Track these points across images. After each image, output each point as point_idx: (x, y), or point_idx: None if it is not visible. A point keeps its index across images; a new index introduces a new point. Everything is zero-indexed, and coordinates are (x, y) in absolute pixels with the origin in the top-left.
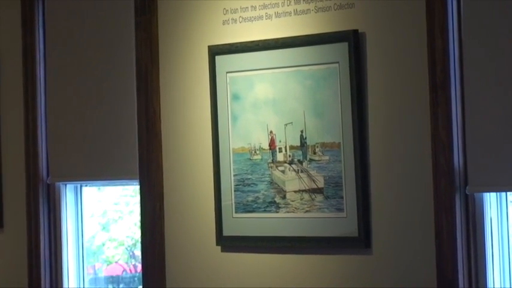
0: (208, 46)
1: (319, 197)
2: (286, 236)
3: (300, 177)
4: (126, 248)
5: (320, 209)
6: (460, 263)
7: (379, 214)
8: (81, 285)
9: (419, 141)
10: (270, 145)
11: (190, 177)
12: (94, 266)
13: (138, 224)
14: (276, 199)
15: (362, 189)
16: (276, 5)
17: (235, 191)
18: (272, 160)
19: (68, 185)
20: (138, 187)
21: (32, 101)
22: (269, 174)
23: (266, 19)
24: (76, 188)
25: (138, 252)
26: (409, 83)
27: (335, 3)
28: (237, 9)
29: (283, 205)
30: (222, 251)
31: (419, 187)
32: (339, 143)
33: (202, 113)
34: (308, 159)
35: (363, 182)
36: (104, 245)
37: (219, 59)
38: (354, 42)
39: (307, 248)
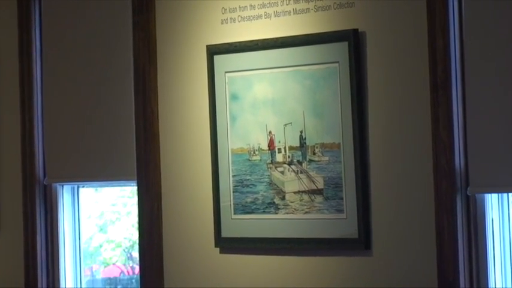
0: (207, 45)
1: (318, 198)
2: (285, 237)
3: (299, 178)
4: (124, 250)
5: (320, 210)
6: (461, 265)
7: (380, 215)
8: (79, 287)
9: (420, 142)
10: (269, 146)
11: (189, 178)
12: (91, 267)
13: (136, 225)
14: (275, 200)
15: (362, 190)
16: (275, 4)
17: (234, 192)
18: (271, 161)
19: (64, 186)
20: (135, 188)
21: (29, 101)
22: (268, 175)
23: (265, 18)
24: (73, 189)
25: (135, 254)
26: (410, 83)
27: (335, 2)
28: (235, 8)
29: (283, 206)
30: (220, 252)
31: (419, 188)
32: (339, 143)
33: (200, 113)
34: (307, 159)
35: (363, 183)
36: (101, 246)
37: (217, 58)
38: (354, 42)
39: (306, 249)
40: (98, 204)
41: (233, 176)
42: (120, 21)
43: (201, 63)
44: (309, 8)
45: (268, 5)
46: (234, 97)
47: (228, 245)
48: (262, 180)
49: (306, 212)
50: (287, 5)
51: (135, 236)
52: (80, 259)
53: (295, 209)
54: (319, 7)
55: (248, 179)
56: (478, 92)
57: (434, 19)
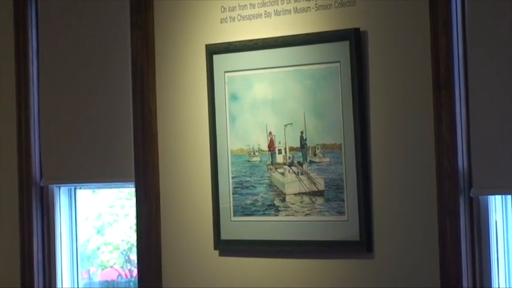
0: (206, 45)
1: (319, 200)
2: (285, 239)
3: (300, 180)
4: (122, 252)
5: (320, 212)
6: (465, 267)
7: (381, 217)
8: None
9: (423, 143)
10: (269, 146)
11: (187, 179)
12: (88, 270)
13: (134, 227)
14: (275, 202)
15: (364, 192)
16: (275, 2)
17: (233, 193)
18: (271, 162)
19: (61, 188)
20: (133, 189)
21: (25, 101)
22: (268, 177)
23: (265, 17)
24: (70, 190)
25: (133, 257)
26: (412, 83)
27: (336, 1)
28: (235, 7)
29: (283, 208)
30: (220, 255)
31: (422, 189)
32: (340, 144)
33: (199, 114)
34: (308, 161)
35: (365, 184)
36: (98, 249)
37: (216, 58)
38: (355, 41)
39: (307, 252)
40: (95, 206)
41: (233, 177)
42: (118, 21)
43: (200, 62)
44: (309, 7)
45: (268, 4)
46: (234, 97)
47: (227, 247)
48: (262, 181)
49: (307, 214)
50: (287, 3)
51: (133, 238)
52: (77, 262)
53: (295, 211)
54: (320, 6)
55: (248, 181)
56: (482, 92)
57: (436, 17)
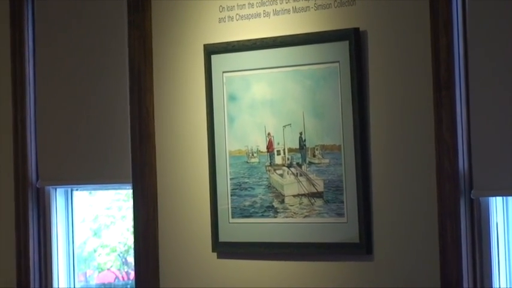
0: (204, 45)
1: (318, 202)
2: (284, 242)
3: (298, 181)
4: (119, 255)
5: (320, 213)
6: (465, 270)
7: (381, 219)
8: None
9: (423, 143)
10: (267, 147)
11: (185, 180)
12: (85, 273)
13: (131, 229)
14: (274, 204)
15: (363, 193)
16: (274, 2)
17: (231, 195)
18: (270, 163)
19: (58, 189)
20: (130, 191)
21: (21, 102)
22: (267, 178)
23: (264, 17)
24: (66, 192)
25: (130, 259)
26: (412, 83)
27: (335, 1)
28: (233, 6)
29: (282, 210)
30: (218, 257)
31: (422, 191)
32: (340, 145)
33: (197, 114)
34: (307, 162)
35: (364, 186)
36: (95, 251)
37: (215, 58)
38: (354, 41)
39: (306, 254)
40: (92, 208)
41: (231, 178)
42: (115, 20)
43: (198, 62)
44: (308, 6)
45: (267, 3)
46: (232, 98)
47: (225, 249)
48: (260, 183)
49: (306, 216)
50: (286, 3)
51: (130, 240)
52: (73, 264)
53: (294, 213)
54: (319, 5)
55: (246, 182)
56: (482, 92)
57: (437, 17)
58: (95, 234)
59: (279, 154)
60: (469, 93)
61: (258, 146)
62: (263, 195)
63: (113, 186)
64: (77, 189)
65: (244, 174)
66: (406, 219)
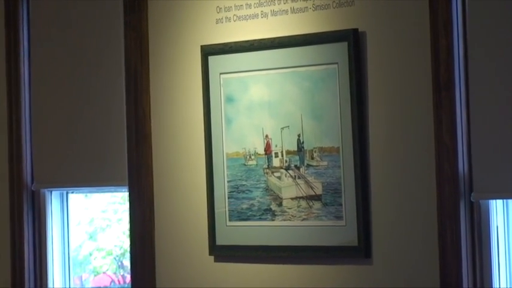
0: (201, 46)
1: (317, 204)
2: (282, 245)
3: (297, 184)
4: (115, 258)
5: (318, 216)
6: (465, 273)
7: (380, 222)
8: None
9: (422, 145)
10: (265, 150)
11: (182, 183)
12: (81, 276)
13: (127, 232)
14: (271, 206)
15: (362, 196)
16: (272, 2)
17: (229, 198)
18: (268, 165)
19: (53, 192)
20: (127, 194)
21: (16, 103)
22: (265, 181)
23: (261, 18)
24: (62, 194)
25: (127, 262)
26: (412, 84)
27: (334, 1)
28: (231, 7)
29: (280, 213)
30: (215, 260)
31: (422, 193)
32: (338, 147)
33: (194, 116)
34: (305, 164)
35: (363, 189)
36: (91, 254)
37: (212, 59)
38: (353, 42)
39: (304, 257)
40: (87, 211)
41: (228, 181)
42: (111, 21)
43: (195, 64)
44: (307, 7)
45: (264, 4)
46: (229, 99)
47: (223, 253)
48: (258, 185)
49: (304, 219)
50: (284, 3)
51: (126, 243)
52: (69, 268)
53: (292, 216)
54: (318, 6)
55: (244, 185)
56: (483, 94)
57: (437, 18)
58: (91, 237)
59: (276, 156)
60: (469, 94)
61: (255, 148)
62: (261, 198)
63: (109, 189)
64: (72, 192)
65: (241, 176)
66: (406, 222)
